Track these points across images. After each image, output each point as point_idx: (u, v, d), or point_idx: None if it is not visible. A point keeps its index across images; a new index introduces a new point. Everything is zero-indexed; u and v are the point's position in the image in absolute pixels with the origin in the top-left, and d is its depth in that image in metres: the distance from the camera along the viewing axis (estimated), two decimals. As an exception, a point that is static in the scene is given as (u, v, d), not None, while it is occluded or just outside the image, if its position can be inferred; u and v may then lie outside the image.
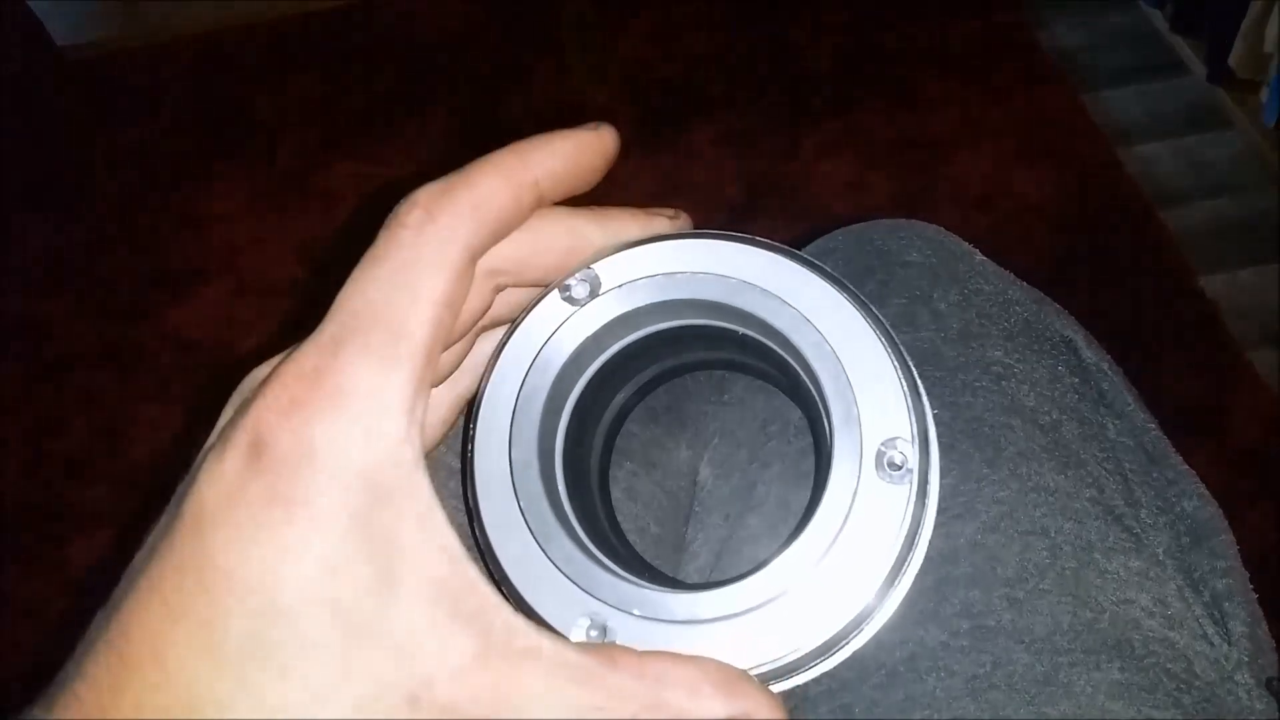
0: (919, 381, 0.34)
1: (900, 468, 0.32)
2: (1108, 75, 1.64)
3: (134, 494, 1.33)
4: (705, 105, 1.66)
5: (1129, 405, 0.48)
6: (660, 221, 0.34)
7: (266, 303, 1.50)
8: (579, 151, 0.32)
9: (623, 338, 0.37)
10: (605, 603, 0.31)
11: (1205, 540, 0.44)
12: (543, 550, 0.32)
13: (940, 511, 0.41)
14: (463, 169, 0.30)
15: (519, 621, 0.27)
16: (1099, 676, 0.37)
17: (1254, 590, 0.44)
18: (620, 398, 0.43)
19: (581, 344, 0.34)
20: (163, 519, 0.28)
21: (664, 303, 0.34)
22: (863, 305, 0.34)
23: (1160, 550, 0.42)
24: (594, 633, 0.30)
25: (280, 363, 0.28)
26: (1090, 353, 0.48)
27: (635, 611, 0.30)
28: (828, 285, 0.34)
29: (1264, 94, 1.47)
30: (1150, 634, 0.39)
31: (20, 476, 1.37)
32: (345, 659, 0.25)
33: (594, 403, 0.39)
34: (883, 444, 0.32)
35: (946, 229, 0.52)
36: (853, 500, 0.31)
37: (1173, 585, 0.41)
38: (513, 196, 0.31)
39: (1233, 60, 1.52)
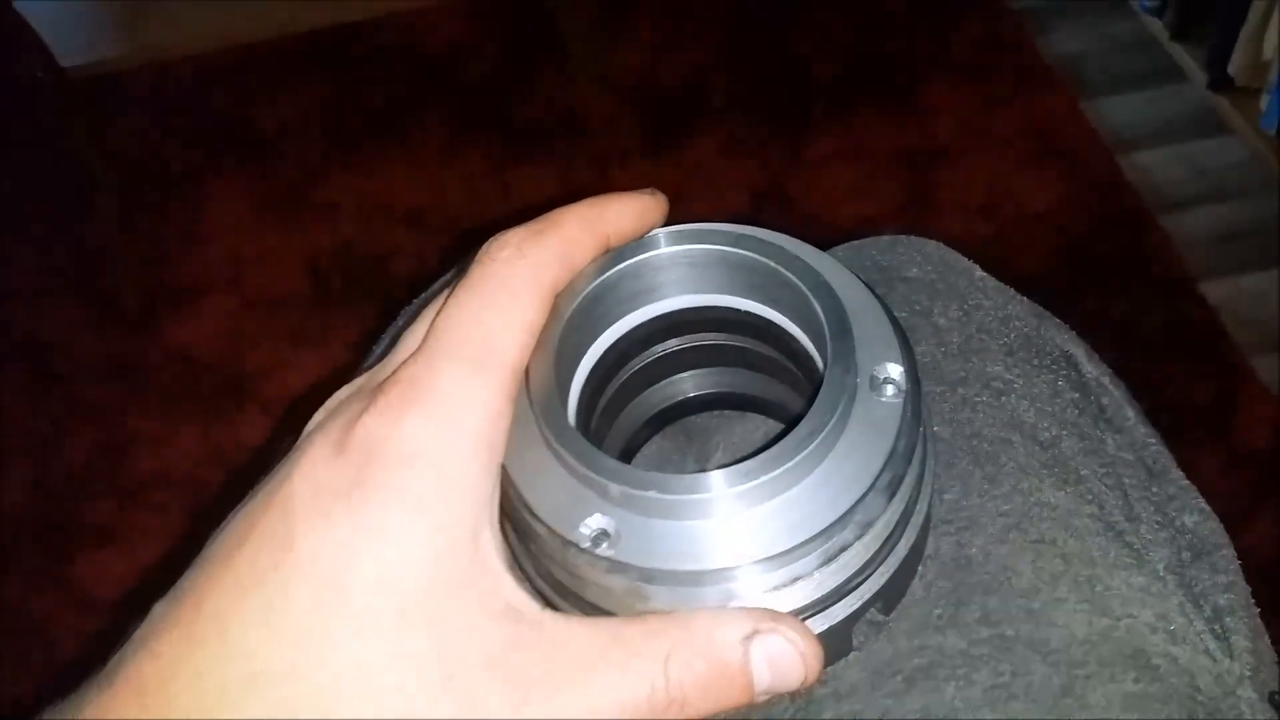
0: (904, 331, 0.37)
1: (892, 388, 0.34)
2: (1108, 82, 1.64)
3: (138, 508, 1.33)
4: (707, 114, 1.67)
5: (1129, 420, 0.48)
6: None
7: (270, 316, 1.50)
8: (643, 211, 0.36)
9: (634, 305, 0.39)
10: (609, 497, 0.32)
11: (1206, 555, 0.44)
12: (548, 443, 0.33)
13: (946, 524, 0.42)
14: (548, 216, 0.34)
15: (547, 615, 0.30)
16: (1114, 689, 0.37)
17: (1259, 596, 0.44)
18: (632, 431, 0.44)
19: (597, 287, 0.36)
20: (243, 510, 0.30)
21: (676, 253, 0.37)
22: (851, 271, 0.38)
23: (1161, 566, 0.42)
24: (604, 542, 0.32)
25: (376, 379, 0.32)
26: (1091, 367, 0.49)
27: (643, 492, 0.32)
28: (819, 251, 0.38)
29: (1264, 101, 1.47)
30: (1154, 649, 0.39)
31: (24, 491, 1.38)
32: (395, 640, 0.28)
33: (607, 391, 0.41)
34: (875, 369, 0.34)
35: (948, 237, 0.52)
36: (849, 410, 0.33)
37: (1174, 601, 0.41)
38: (590, 244, 0.35)
39: (1232, 68, 1.52)
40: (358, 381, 0.33)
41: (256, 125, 1.73)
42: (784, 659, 0.30)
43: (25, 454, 1.41)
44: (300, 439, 0.32)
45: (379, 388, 0.31)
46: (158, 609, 0.29)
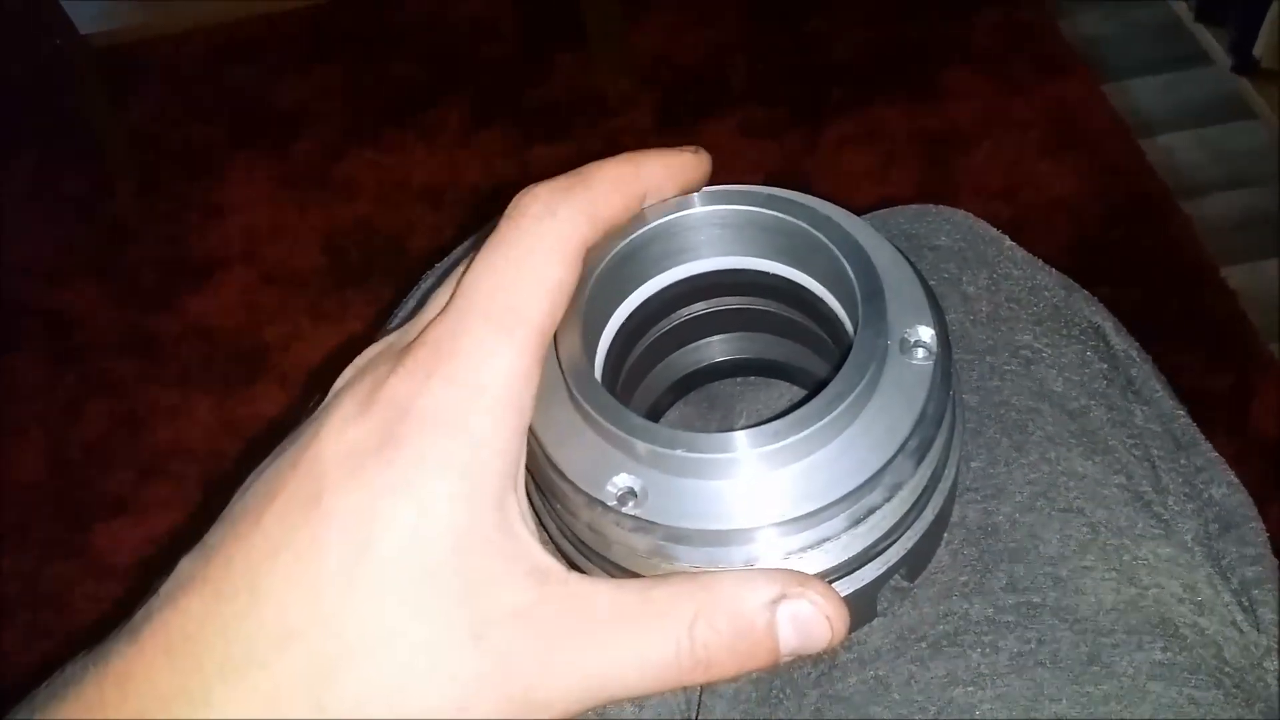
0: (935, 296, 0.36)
1: (922, 351, 0.34)
2: (1131, 66, 1.62)
3: (156, 480, 1.34)
4: (726, 96, 1.66)
5: (1157, 392, 0.48)
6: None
7: (288, 291, 1.51)
8: (684, 170, 0.35)
9: (663, 266, 0.39)
10: (636, 456, 0.32)
11: (1234, 527, 0.44)
12: (576, 402, 0.33)
13: (973, 491, 0.42)
14: (580, 171, 0.33)
15: (573, 577, 0.29)
16: (1141, 657, 0.37)
17: (1277, 581, 0.44)
18: (656, 395, 0.44)
19: (626, 247, 0.36)
20: (270, 467, 0.30)
21: (706, 214, 0.37)
22: (880, 234, 0.37)
23: (1189, 537, 0.42)
24: (630, 501, 0.32)
25: (405, 339, 0.31)
26: (1119, 340, 0.48)
27: (671, 451, 0.32)
28: (850, 214, 0.38)
29: (1289, 84, 1.46)
30: (1182, 619, 0.39)
31: (43, 462, 1.38)
32: (422, 598, 0.28)
33: (632, 354, 0.40)
34: (905, 332, 0.34)
35: (971, 216, 0.52)
36: (880, 372, 0.33)
37: (1202, 572, 0.41)
38: (623, 204, 0.34)
39: (1258, 50, 1.51)
40: (387, 339, 0.33)
41: (276, 101, 1.73)
42: (810, 622, 0.30)
43: (44, 426, 1.42)
44: (328, 397, 0.32)
45: (407, 349, 0.30)
46: (184, 565, 0.29)
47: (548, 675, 0.28)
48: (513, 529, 0.29)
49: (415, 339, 0.31)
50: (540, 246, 0.32)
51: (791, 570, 0.31)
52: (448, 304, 0.31)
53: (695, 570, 0.31)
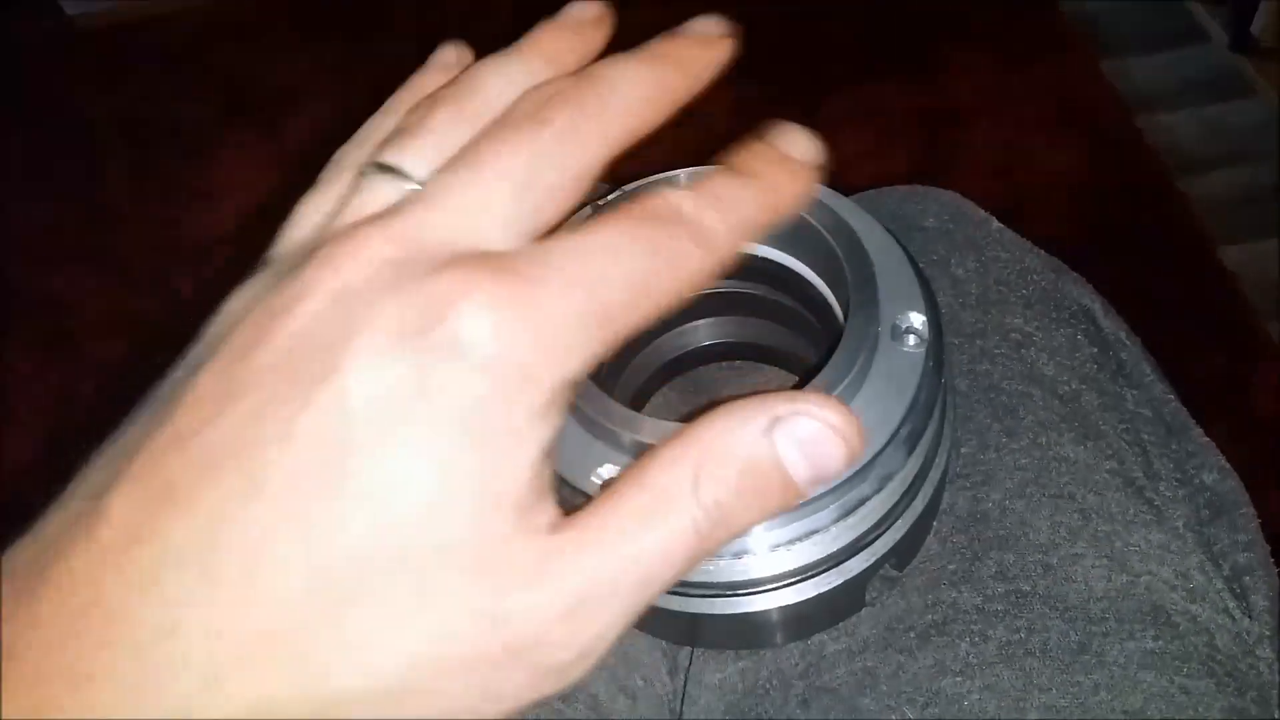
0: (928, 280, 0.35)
1: (914, 338, 0.33)
2: (1130, 43, 1.61)
3: (149, 464, 1.33)
4: (722, 72, 1.65)
5: (1148, 376, 0.47)
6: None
7: (280, 273, 1.50)
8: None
9: None
10: (621, 447, 0.32)
11: (1225, 513, 0.44)
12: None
13: (963, 478, 0.41)
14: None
15: (573, 519, 0.25)
16: (1132, 646, 0.37)
17: (1276, 564, 0.44)
18: (642, 380, 0.44)
19: None
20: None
21: None
22: (872, 218, 0.37)
23: (1180, 523, 0.41)
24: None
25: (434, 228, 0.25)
26: (1108, 322, 0.48)
27: (657, 442, 0.30)
28: (840, 195, 0.37)
29: (1289, 61, 1.45)
30: (1173, 607, 0.38)
31: (36, 446, 1.38)
32: (434, 582, 0.23)
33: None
34: (897, 318, 0.33)
35: (966, 197, 0.51)
36: (870, 359, 0.32)
37: (1194, 559, 0.40)
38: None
39: (1256, 28, 1.49)
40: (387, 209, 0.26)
41: (267, 81, 1.72)
42: (818, 441, 0.25)
43: (37, 410, 1.41)
44: (343, 296, 0.24)
45: (468, 260, 0.24)
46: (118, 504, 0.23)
47: (575, 632, 0.24)
48: (537, 488, 0.25)
49: (479, 252, 0.24)
50: None
51: (784, 391, 0.27)
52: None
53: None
